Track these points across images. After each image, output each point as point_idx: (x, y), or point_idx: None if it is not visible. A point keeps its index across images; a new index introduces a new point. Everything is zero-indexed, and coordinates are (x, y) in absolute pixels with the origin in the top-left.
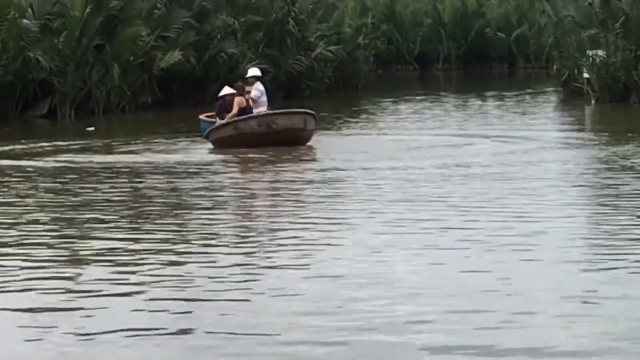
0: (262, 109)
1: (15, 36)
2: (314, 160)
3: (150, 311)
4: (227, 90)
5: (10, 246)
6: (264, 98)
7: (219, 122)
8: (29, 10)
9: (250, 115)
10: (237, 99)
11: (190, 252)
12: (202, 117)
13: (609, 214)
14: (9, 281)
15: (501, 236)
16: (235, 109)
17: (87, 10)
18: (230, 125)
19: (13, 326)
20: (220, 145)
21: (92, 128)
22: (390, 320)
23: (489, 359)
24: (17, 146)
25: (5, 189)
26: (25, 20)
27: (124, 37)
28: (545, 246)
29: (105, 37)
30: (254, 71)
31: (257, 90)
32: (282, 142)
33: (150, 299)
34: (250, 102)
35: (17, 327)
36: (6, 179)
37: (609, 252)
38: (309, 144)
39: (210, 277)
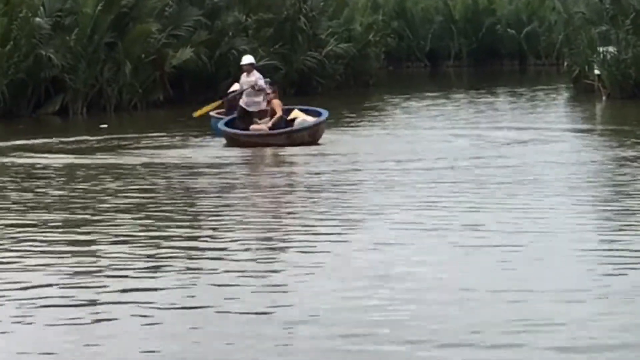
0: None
1: (27, 34)
2: (327, 158)
3: (166, 314)
4: (236, 86)
5: (23, 242)
6: None
7: (263, 128)
8: (41, 8)
9: (303, 126)
10: (277, 102)
11: (204, 251)
12: (212, 113)
13: (621, 211)
14: (24, 276)
15: (512, 234)
16: (279, 112)
17: (99, 7)
18: (283, 135)
19: (27, 321)
20: (250, 145)
21: (105, 125)
22: (399, 322)
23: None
24: (31, 141)
25: (18, 186)
26: (37, 18)
27: (135, 34)
28: (556, 245)
29: (116, 34)
30: (249, 58)
31: (261, 79)
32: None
33: (165, 301)
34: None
35: (28, 323)
36: (18, 176)
37: (622, 252)
38: (320, 141)
39: (222, 277)
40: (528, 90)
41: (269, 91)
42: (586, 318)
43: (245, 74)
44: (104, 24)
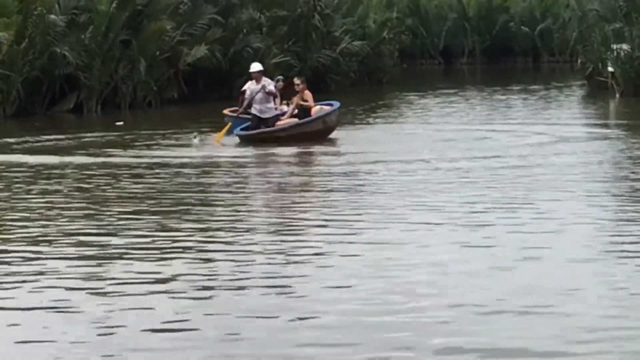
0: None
1: (42, 31)
2: (342, 155)
3: (181, 311)
4: (247, 88)
5: (40, 240)
6: None
7: (294, 120)
8: (56, 5)
9: (334, 110)
10: (309, 93)
11: (220, 250)
12: (226, 111)
13: (633, 208)
14: (39, 275)
15: (527, 233)
16: (311, 102)
17: (114, 5)
18: (319, 120)
19: (41, 320)
20: (287, 139)
21: (121, 123)
22: (416, 319)
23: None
24: (48, 139)
25: (35, 183)
26: (52, 16)
27: (150, 32)
28: (568, 242)
29: (131, 32)
30: (258, 66)
31: (270, 84)
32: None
33: (180, 297)
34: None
35: (41, 322)
36: (34, 174)
37: (634, 248)
38: (334, 137)
39: (240, 274)
40: (542, 88)
41: (299, 81)
42: (604, 319)
43: (254, 81)
44: (118, 22)
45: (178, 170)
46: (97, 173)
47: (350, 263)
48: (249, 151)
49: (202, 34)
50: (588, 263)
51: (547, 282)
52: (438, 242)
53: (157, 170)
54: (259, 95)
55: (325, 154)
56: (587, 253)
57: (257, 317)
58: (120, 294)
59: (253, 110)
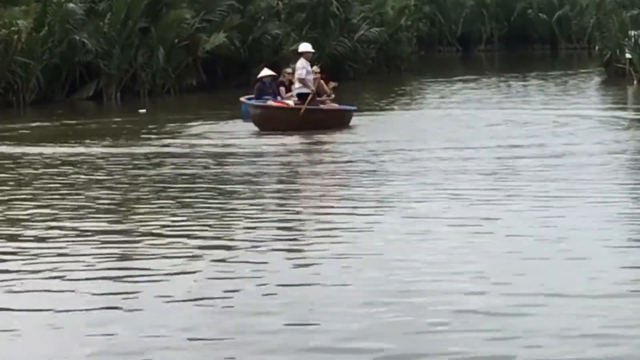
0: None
1: (61, 19)
2: (359, 142)
3: (201, 308)
4: (266, 72)
5: (61, 229)
6: None
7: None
8: None
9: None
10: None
11: (238, 241)
12: (243, 99)
13: None
14: (62, 263)
15: (541, 228)
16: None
17: None
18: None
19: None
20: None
21: (144, 110)
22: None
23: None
24: (68, 125)
25: (56, 172)
26: (70, 4)
27: (169, 19)
28: (586, 227)
29: (150, 19)
30: (308, 46)
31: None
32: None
33: (198, 297)
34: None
35: (66, 311)
36: (57, 162)
37: None
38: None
39: (257, 269)
40: (559, 74)
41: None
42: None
43: (303, 60)
44: (137, 10)
45: (198, 157)
46: (116, 161)
47: (373, 255)
48: (264, 139)
49: (221, 21)
50: (605, 257)
51: (566, 279)
52: (458, 234)
53: (176, 159)
54: (311, 77)
55: (341, 142)
56: (603, 246)
57: (278, 312)
58: (135, 289)
59: (309, 90)
